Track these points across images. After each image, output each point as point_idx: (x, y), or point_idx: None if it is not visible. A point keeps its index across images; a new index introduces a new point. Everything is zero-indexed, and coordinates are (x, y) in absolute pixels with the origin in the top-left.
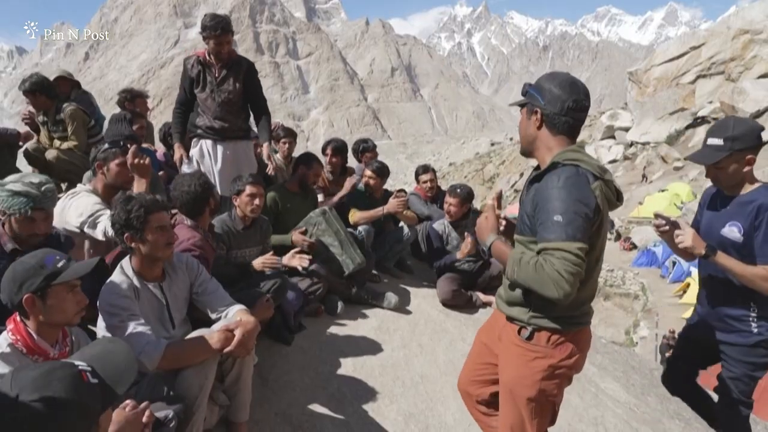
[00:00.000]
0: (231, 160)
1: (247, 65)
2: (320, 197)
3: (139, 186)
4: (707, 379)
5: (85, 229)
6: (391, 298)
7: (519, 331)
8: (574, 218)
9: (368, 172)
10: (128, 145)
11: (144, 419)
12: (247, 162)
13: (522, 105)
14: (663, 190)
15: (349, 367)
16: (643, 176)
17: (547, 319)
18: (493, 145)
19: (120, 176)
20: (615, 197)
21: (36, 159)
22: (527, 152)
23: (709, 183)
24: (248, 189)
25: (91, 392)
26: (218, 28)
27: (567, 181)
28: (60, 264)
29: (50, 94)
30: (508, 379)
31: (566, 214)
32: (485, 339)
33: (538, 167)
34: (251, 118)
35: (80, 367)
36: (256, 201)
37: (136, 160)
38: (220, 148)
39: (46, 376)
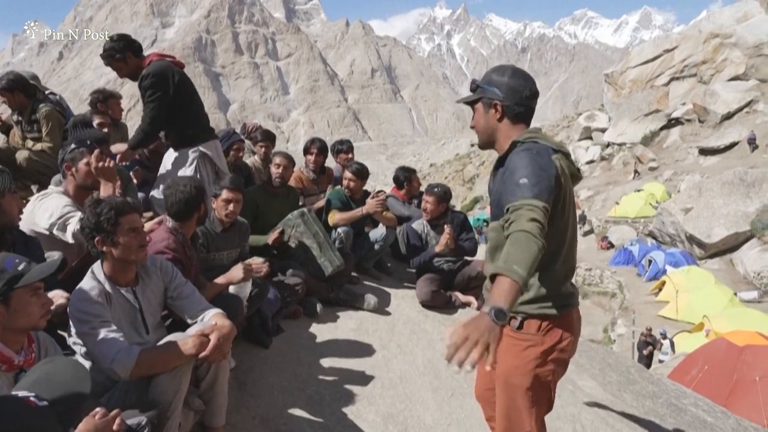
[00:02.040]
0: (169, 169)
1: (141, 77)
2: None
3: (105, 190)
4: (680, 377)
5: (55, 231)
6: (370, 299)
7: (509, 321)
8: (539, 180)
9: (348, 174)
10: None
11: (114, 427)
12: (184, 168)
13: (472, 102)
14: (639, 190)
15: (327, 369)
16: (635, 171)
17: (535, 305)
18: (473, 145)
19: (90, 177)
20: (576, 171)
21: (6, 159)
22: (487, 145)
23: (683, 183)
24: (224, 194)
25: (44, 415)
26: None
27: (529, 153)
28: (21, 267)
29: (28, 92)
30: (502, 370)
31: (531, 177)
32: None
33: (501, 157)
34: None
35: (21, 395)
36: (231, 207)
37: (100, 164)
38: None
39: None
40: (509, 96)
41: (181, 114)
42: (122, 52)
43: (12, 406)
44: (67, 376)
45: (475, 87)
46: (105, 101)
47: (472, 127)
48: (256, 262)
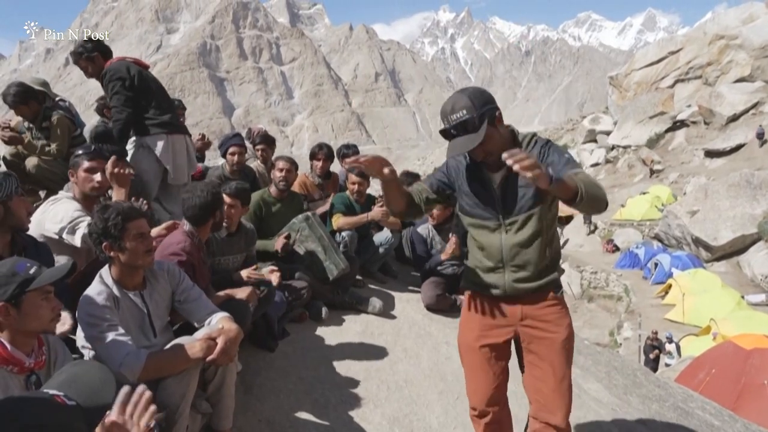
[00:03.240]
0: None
1: (101, 76)
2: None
3: (117, 195)
4: (687, 381)
5: (64, 236)
6: (376, 302)
7: (549, 294)
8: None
9: (355, 178)
10: (100, 150)
11: None
12: (143, 160)
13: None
14: (644, 193)
15: (333, 372)
16: (651, 171)
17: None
18: None
19: (88, 183)
20: None
21: (15, 166)
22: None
23: (689, 186)
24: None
25: (72, 413)
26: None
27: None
28: (32, 270)
29: (38, 99)
30: (564, 335)
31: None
32: (492, 339)
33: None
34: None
35: (52, 393)
36: (230, 211)
37: (116, 170)
38: None
39: (17, 405)
40: (494, 102)
41: (140, 107)
42: (91, 52)
43: (44, 402)
44: (93, 379)
45: (475, 119)
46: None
47: (490, 155)
48: (266, 271)
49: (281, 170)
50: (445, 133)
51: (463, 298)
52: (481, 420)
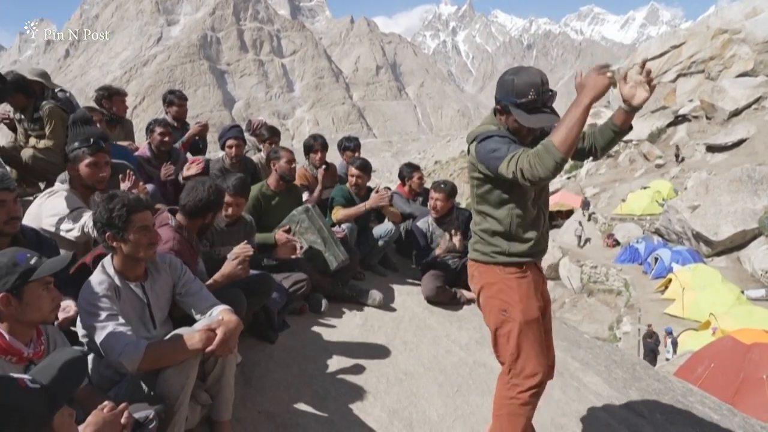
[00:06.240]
0: None
1: None
2: (305, 195)
3: None
4: (686, 375)
5: (62, 227)
6: (376, 295)
7: None
8: None
9: (354, 171)
10: (100, 143)
11: (122, 420)
12: None
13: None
14: (645, 188)
15: (333, 364)
16: (677, 155)
17: None
18: None
19: (91, 177)
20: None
21: (12, 158)
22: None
23: (690, 180)
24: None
25: (32, 396)
26: None
27: None
28: (33, 261)
29: (27, 93)
30: None
31: None
32: (541, 306)
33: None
34: None
35: (16, 376)
36: (230, 210)
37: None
38: None
39: None
40: None
41: None
42: None
43: (2, 385)
44: (64, 362)
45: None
46: (110, 98)
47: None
48: (239, 247)
49: (289, 162)
50: (533, 104)
51: (513, 277)
52: (539, 391)
